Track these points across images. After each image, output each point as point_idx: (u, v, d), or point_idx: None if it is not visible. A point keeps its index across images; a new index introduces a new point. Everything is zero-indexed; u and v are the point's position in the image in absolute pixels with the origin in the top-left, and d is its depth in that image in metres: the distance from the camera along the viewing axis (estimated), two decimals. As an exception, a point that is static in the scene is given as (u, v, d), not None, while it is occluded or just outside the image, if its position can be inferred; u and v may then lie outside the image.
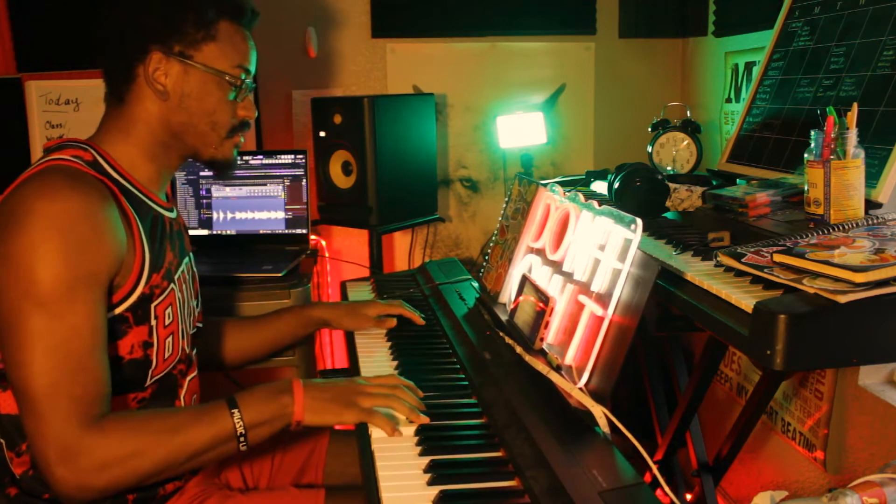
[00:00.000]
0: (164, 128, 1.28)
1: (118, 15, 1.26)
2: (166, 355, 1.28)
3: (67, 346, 1.08)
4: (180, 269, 1.34)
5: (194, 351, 1.43)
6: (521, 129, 2.75)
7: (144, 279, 1.22)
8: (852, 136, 1.34)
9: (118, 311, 1.19)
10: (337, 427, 1.39)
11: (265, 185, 2.42)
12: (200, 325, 1.49)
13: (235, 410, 1.17)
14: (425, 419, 1.23)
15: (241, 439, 1.17)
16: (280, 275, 2.11)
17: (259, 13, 1.35)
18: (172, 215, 1.36)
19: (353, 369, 1.53)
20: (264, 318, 1.68)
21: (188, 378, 1.37)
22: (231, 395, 1.20)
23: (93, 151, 1.23)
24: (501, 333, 1.50)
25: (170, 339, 1.28)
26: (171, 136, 1.29)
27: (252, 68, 1.33)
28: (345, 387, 1.26)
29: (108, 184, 1.20)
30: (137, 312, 1.21)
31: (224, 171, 1.39)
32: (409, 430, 1.22)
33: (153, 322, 1.24)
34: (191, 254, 1.44)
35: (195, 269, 1.46)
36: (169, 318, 1.28)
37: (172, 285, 1.29)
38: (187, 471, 1.19)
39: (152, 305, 1.24)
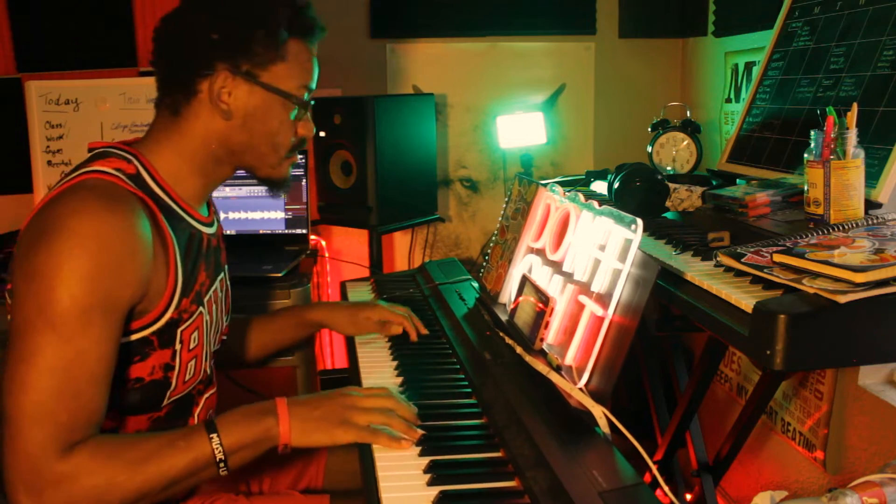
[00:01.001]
0: (221, 145, 1.24)
1: (185, 26, 1.21)
2: (187, 378, 1.24)
3: (68, 372, 1.03)
4: (211, 290, 1.30)
5: (213, 361, 1.38)
6: (520, 129, 2.75)
7: (175, 304, 1.18)
8: (852, 136, 1.34)
9: (143, 334, 1.15)
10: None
11: (265, 185, 2.42)
12: (225, 337, 1.44)
13: (214, 435, 1.10)
14: (417, 434, 1.18)
15: (221, 465, 1.10)
16: (280, 275, 2.11)
17: (326, 29, 1.29)
18: (211, 230, 1.32)
19: (352, 370, 1.53)
20: (263, 319, 1.63)
21: (205, 396, 1.33)
22: (210, 418, 1.15)
23: (137, 164, 1.19)
24: (501, 334, 1.50)
25: (192, 362, 1.24)
26: (227, 153, 1.25)
27: (314, 86, 1.29)
28: (336, 402, 1.18)
29: (147, 202, 1.15)
30: (163, 336, 1.17)
31: (279, 189, 1.34)
32: (402, 443, 1.20)
33: (178, 346, 1.20)
34: (225, 268, 1.40)
35: (229, 284, 1.41)
36: (194, 341, 1.24)
37: (201, 308, 1.25)
38: (164, 499, 1.10)
39: (179, 330, 1.20)
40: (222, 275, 1.37)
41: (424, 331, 1.63)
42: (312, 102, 1.29)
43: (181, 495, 1.17)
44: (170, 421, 1.24)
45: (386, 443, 1.16)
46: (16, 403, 1.02)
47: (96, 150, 1.21)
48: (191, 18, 1.21)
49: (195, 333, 1.23)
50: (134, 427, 1.20)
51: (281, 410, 1.15)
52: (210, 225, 1.32)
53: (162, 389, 1.20)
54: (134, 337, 1.14)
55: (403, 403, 1.22)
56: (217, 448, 1.10)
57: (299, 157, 2.39)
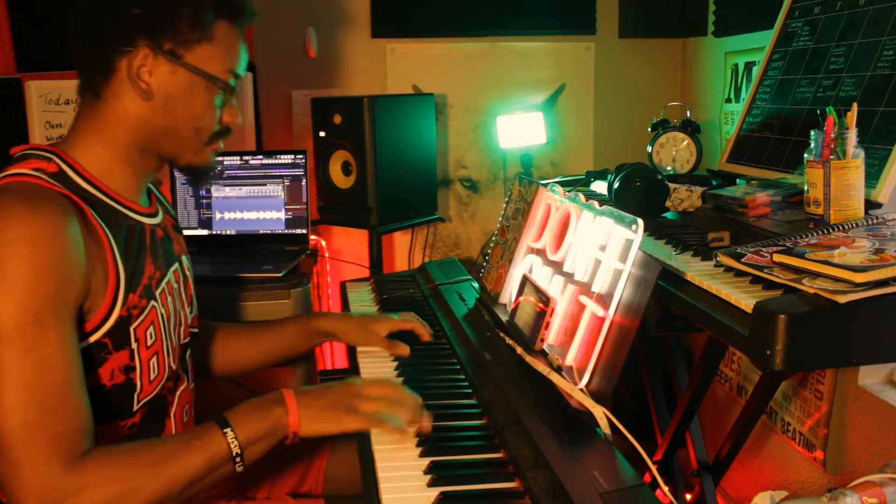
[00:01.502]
0: (143, 130, 1.19)
1: (104, 1, 1.16)
2: (152, 377, 1.20)
3: (42, 381, 0.98)
4: (164, 281, 1.25)
5: (187, 355, 1.34)
6: (520, 129, 2.75)
7: (121, 301, 1.13)
8: (852, 136, 1.34)
9: (95, 337, 1.10)
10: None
11: (265, 185, 2.42)
12: (196, 329, 1.40)
13: (228, 430, 1.08)
14: (428, 423, 1.18)
15: (238, 459, 1.08)
16: (280, 275, 2.11)
17: (257, 13, 1.26)
18: (155, 221, 1.27)
19: (352, 369, 1.53)
20: (264, 328, 1.57)
21: (178, 393, 1.28)
22: (220, 413, 1.11)
23: (58, 161, 1.14)
24: (502, 334, 1.50)
25: (154, 359, 1.20)
26: (149, 139, 1.20)
27: (242, 72, 1.24)
28: (341, 391, 1.18)
29: (74, 199, 1.10)
30: (116, 337, 1.13)
31: (201, 178, 1.30)
32: (410, 430, 1.21)
33: (134, 345, 1.16)
34: (183, 257, 1.36)
35: (189, 273, 1.37)
36: (151, 338, 1.19)
37: (153, 302, 1.20)
38: (184, 500, 1.07)
39: (131, 328, 1.15)
40: (177, 265, 1.31)
41: (428, 337, 1.60)
42: (238, 88, 1.24)
43: (200, 497, 1.15)
44: (147, 425, 1.20)
45: (391, 430, 1.15)
46: (2, 433, 0.96)
47: (15, 154, 1.16)
48: None
49: (150, 329, 1.19)
50: (110, 438, 1.15)
51: (289, 400, 1.13)
52: (153, 216, 1.27)
53: (128, 393, 1.16)
54: (88, 342, 1.10)
55: (407, 392, 1.21)
56: (232, 442, 1.07)
57: (299, 157, 2.40)
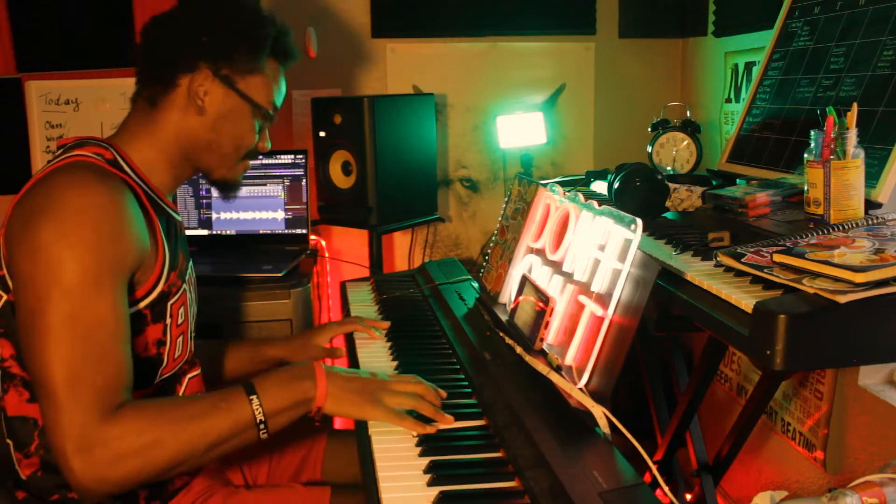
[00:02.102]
0: (189, 140, 1.31)
1: (178, 25, 1.30)
2: (176, 354, 1.29)
3: (92, 335, 1.07)
4: (189, 271, 1.36)
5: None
6: (520, 129, 2.75)
7: (164, 276, 1.23)
8: (852, 136, 1.34)
9: (139, 307, 1.20)
10: (336, 420, 1.37)
11: (265, 185, 2.43)
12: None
13: (254, 397, 1.15)
14: (451, 419, 1.23)
15: (262, 426, 1.15)
16: (280, 275, 2.11)
17: (299, 58, 1.43)
18: (180, 219, 1.39)
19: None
20: (220, 347, 1.63)
21: (189, 376, 1.36)
22: (249, 380, 1.18)
23: (113, 151, 1.25)
24: (501, 334, 1.50)
25: (181, 338, 1.30)
26: (194, 149, 1.32)
27: (280, 105, 1.39)
28: (370, 381, 1.25)
29: (129, 181, 1.22)
30: (155, 310, 1.23)
31: (231, 192, 1.42)
32: (428, 428, 1.22)
33: (168, 321, 1.25)
34: (192, 261, 1.45)
35: (196, 274, 1.47)
36: (181, 317, 1.29)
37: (185, 285, 1.31)
38: (207, 461, 1.17)
39: (169, 303, 1.25)
40: (192, 264, 1.42)
41: (375, 336, 1.67)
42: (276, 118, 1.39)
43: (219, 458, 1.22)
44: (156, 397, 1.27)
45: (412, 426, 1.21)
46: (50, 377, 1.05)
47: (69, 143, 1.26)
48: (184, 19, 1.30)
49: (182, 309, 1.29)
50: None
51: (319, 376, 1.21)
52: (178, 215, 1.38)
53: (154, 367, 1.25)
54: (133, 309, 1.19)
55: (432, 390, 1.28)
56: (257, 410, 1.14)
57: (299, 157, 2.41)
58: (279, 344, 1.67)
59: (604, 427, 1.13)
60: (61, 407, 1.05)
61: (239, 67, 1.30)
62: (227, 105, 1.31)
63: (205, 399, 1.16)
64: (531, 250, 1.56)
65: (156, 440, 1.08)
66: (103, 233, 1.10)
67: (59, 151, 1.25)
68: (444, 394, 1.29)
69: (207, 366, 1.56)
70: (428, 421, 1.23)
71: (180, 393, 1.34)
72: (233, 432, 1.13)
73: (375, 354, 1.57)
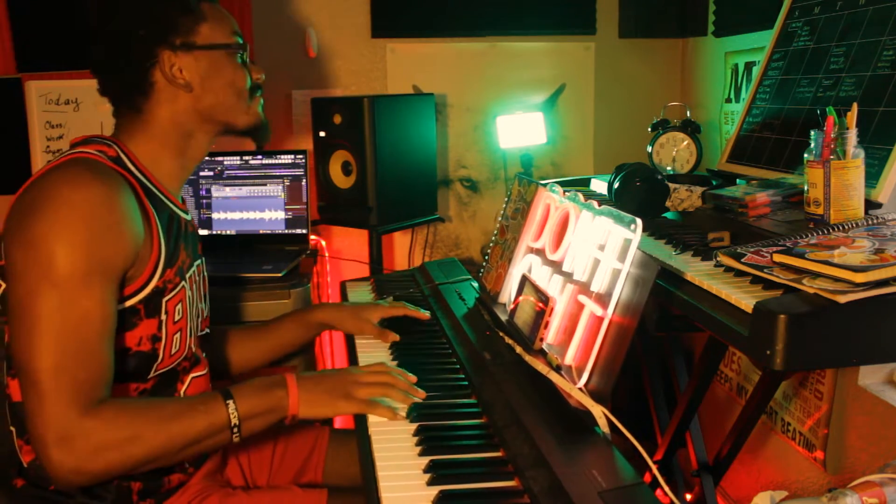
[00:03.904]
0: (191, 117, 1.31)
1: (114, 32, 1.27)
2: (173, 351, 1.29)
3: (78, 330, 1.09)
4: (192, 269, 1.36)
5: (204, 353, 1.43)
6: (520, 129, 2.75)
7: (159, 273, 1.24)
8: (852, 136, 1.34)
9: (131, 302, 1.21)
10: (336, 420, 1.39)
11: (265, 185, 2.42)
12: (207, 330, 1.48)
13: (230, 401, 1.19)
14: (422, 394, 1.30)
15: (235, 430, 1.19)
16: (280, 275, 2.11)
17: None
18: (187, 217, 1.39)
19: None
20: (267, 326, 1.66)
21: (191, 375, 1.37)
22: (226, 387, 1.22)
23: (117, 147, 1.26)
24: (501, 333, 1.50)
25: (178, 335, 1.30)
26: (200, 121, 1.33)
27: (238, 29, 1.37)
28: (339, 378, 1.29)
29: (129, 179, 1.22)
30: (149, 305, 1.23)
31: (262, 135, 1.41)
32: (409, 429, 1.22)
33: (163, 317, 1.26)
34: (202, 258, 1.45)
35: (206, 274, 1.47)
36: (179, 314, 1.30)
37: (184, 283, 1.31)
38: (182, 460, 1.22)
39: (164, 300, 1.26)
40: (200, 261, 1.42)
41: (425, 316, 1.69)
42: (246, 44, 1.37)
43: (194, 458, 1.30)
44: (154, 394, 1.29)
45: (383, 413, 1.25)
46: (34, 368, 1.08)
47: (77, 141, 1.29)
48: (115, 23, 1.27)
49: (179, 305, 1.29)
50: (120, 395, 1.23)
51: (290, 383, 1.25)
52: (185, 213, 1.38)
53: (149, 361, 1.26)
54: (123, 305, 1.20)
55: (399, 375, 1.32)
56: (233, 413, 1.19)
57: (299, 157, 2.41)
58: (328, 309, 1.68)
59: (603, 427, 1.13)
60: (45, 397, 1.07)
61: (186, 29, 1.28)
62: (203, 65, 1.30)
63: (183, 401, 1.22)
64: (531, 250, 1.56)
65: (136, 435, 1.11)
66: (95, 229, 1.12)
67: (68, 149, 1.26)
68: (412, 377, 1.34)
69: (240, 353, 1.62)
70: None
71: (181, 391, 1.34)
72: (208, 432, 1.17)
73: (374, 354, 1.57)
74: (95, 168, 1.18)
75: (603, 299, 1.21)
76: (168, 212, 1.30)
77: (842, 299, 1.03)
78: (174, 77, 1.28)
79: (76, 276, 1.09)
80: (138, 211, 1.20)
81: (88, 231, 1.11)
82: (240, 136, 1.39)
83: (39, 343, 1.08)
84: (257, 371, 1.68)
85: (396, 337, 1.61)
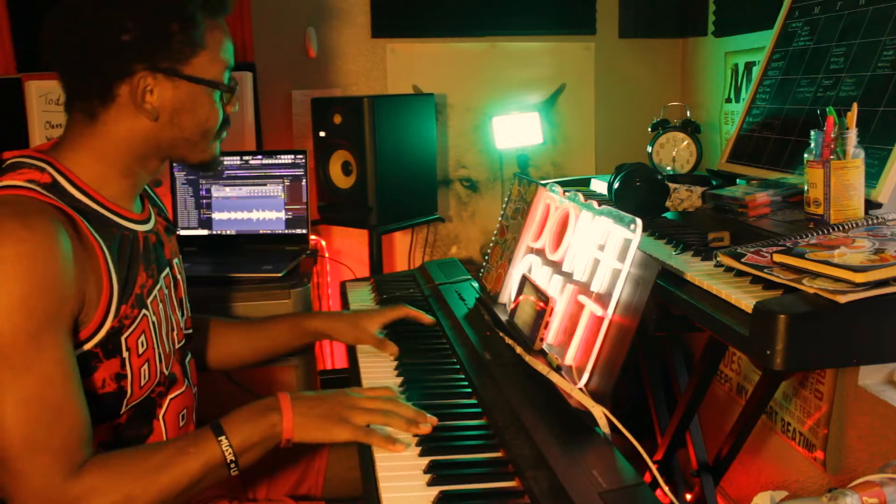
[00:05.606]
0: (147, 144, 1.18)
1: (87, 28, 1.11)
2: (142, 383, 1.19)
3: (40, 397, 1.00)
4: (156, 289, 1.24)
5: (186, 360, 1.34)
6: (517, 129, 2.75)
7: (113, 312, 1.13)
8: (852, 136, 1.34)
9: (87, 346, 1.10)
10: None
11: (265, 185, 2.42)
12: (189, 331, 1.39)
13: (223, 437, 1.09)
14: (427, 428, 1.17)
15: (232, 465, 1.10)
16: (280, 275, 2.11)
17: (234, 2, 1.23)
18: (147, 227, 1.26)
19: (352, 370, 1.52)
20: (257, 323, 1.58)
21: (169, 397, 1.27)
22: (215, 420, 1.13)
23: (51, 171, 1.12)
24: (501, 334, 1.50)
25: (145, 366, 1.20)
26: (156, 150, 1.20)
27: (233, 63, 1.23)
28: (336, 401, 1.18)
29: (67, 211, 1.09)
30: (107, 346, 1.13)
31: (211, 170, 1.31)
32: (398, 444, 1.18)
33: (125, 354, 1.15)
34: (175, 260, 1.34)
35: (180, 275, 1.36)
36: (143, 346, 1.19)
37: (144, 311, 1.19)
38: (184, 501, 1.10)
39: (122, 338, 1.15)
40: (167, 271, 1.30)
41: (429, 319, 1.62)
42: (236, 83, 1.24)
43: (196, 499, 1.17)
44: (131, 427, 1.20)
45: (380, 443, 1.15)
46: (4, 447, 0.98)
47: (7, 162, 1.14)
48: (91, 19, 1.11)
49: (142, 338, 1.19)
50: (95, 438, 1.12)
51: (284, 406, 1.15)
52: (145, 222, 1.26)
53: (118, 398, 1.16)
54: (80, 350, 1.10)
55: (404, 405, 1.21)
56: (227, 450, 1.09)
57: (299, 157, 2.40)
58: (324, 317, 1.59)
59: (604, 427, 1.13)
60: (20, 475, 0.98)
61: (178, 53, 1.13)
62: (179, 97, 1.15)
63: (171, 445, 1.11)
64: (531, 250, 1.56)
65: (126, 496, 1.02)
66: (31, 284, 1.00)
67: None
68: (415, 411, 1.21)
69: (234, 347, 1.53)
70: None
71: (160, 415, 1.25)
72: (203, 474, 1.08)
73: (375, 355, 1.56)
74: (23, 211, 1.03)
75: (603, 299, 1.21)
76: (120, 235, 1.17)
77: (842, 299, 1.03)
78: (141, 100, 1.13)
79: (23, 342, 0.99)
80: (80, 249, 1.08)
81: (26, 289, 0.99)
82: (188, 167, 1.28)
83: (3, 419, 0.98)
84: (245, 368, 1.62)
85: (396, 349, 1.52)
